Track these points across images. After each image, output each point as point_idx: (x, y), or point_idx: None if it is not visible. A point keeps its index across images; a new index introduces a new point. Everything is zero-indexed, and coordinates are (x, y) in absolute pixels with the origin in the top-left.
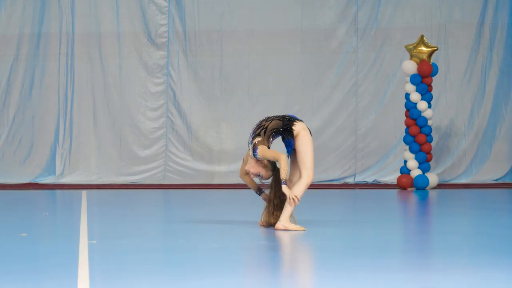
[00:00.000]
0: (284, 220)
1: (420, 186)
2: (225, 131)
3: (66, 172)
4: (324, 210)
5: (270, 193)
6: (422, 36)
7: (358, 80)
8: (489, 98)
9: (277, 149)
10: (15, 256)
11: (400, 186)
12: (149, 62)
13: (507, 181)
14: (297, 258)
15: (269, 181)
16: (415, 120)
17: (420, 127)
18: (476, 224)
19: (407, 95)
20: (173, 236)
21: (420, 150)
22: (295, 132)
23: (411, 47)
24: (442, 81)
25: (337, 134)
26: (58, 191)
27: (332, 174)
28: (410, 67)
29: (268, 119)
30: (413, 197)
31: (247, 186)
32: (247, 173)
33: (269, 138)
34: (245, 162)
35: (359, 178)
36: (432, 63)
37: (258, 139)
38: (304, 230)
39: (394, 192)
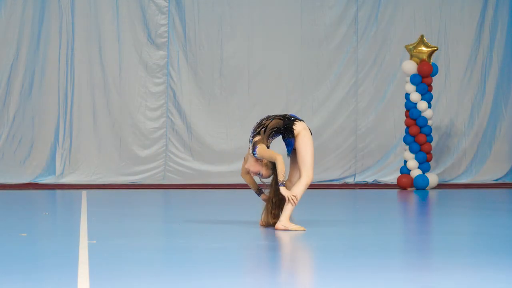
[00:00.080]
0: (284, 220)
1: (420, 186)
2: (225, 131)
3: (66, 172)
4: (324, 210)
5: (270, 192)
6: (422, 36)
7: (358, 80)
8: (489, 98)
9: (277, 148)
10: (15, 256)
11: (400, 186)
12: (149, 62)
13: (507, 181)
14: (297, 258)
15: (269, 180)
16: (415, 120)
17: (420, 127)
18: (476, 224)
19: (407, 95)
20: (173, 236)
21: (420, 150)
22: (295, 132)
23: (411, 47)
24: (442, 81)
25: (337, 134)
26: (58, 191)
27: (332, 174)
28: (410, 67)
29: (268, 118)
30: (413, 197)
31: (247, 186)
32: (248, 172)
33: (268, 137)
34: (245, 161)
35: (359, 178)
36: (432, 63)
37: (257, 137)
38: (304, 230)
39: (394, 192)
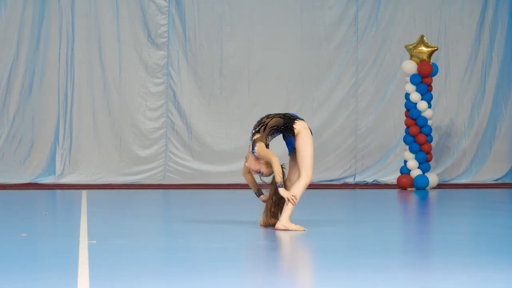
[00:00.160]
0: (284, 220)
1: (420, 186)
2: (225, 131)
3: (66, 172)
4: (324, 210)
5: (270, 190)
6: (422, 36)
7: (358, 80)
8: (489, 98)
9: (278, 148)
10: (15, 256)
11: (400, 186)
12: (149, 62)
13: (507, 181)
14: (297, 258)
15: (270, 179)
16: (415, 120)
17: (420, 127)
18: (476, 224)
19: (407, 95)
20: (173, 236)
21: (420, 150)
22: (296, 131)
23: (411, 47)
24: (442, 81)
25: (337, 134)
26: (58, 191)
27: (332, 174)
28: (410, 67)
29: (269, 116)
30: (413, 197)
31: (247, 186)
32: (249, 172)
33: (268, 135)
34: (247, 160)
35: (359, 178)
36: (432, 63)
37: (257, 136)
38: (304, 230)
39: (394, 192)
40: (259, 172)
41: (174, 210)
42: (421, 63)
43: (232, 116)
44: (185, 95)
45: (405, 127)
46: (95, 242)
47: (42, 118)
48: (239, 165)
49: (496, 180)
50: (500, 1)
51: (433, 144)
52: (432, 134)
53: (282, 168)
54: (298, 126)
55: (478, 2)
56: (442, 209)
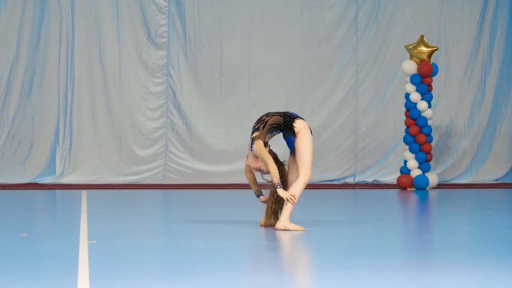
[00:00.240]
0: (284, 220)
1: (420, 186)
2: (225, 131)
3: (66, 172)
4: (324, 210)
5: (271, 187)
6: (422, 36)
7: (358, 80)
8: (489, 98)
9: (278, 147)
10: (15, 256)
11: (400, 186)
12: (149, 62)
13: (507, 181)
14: (297, 258)
15: (270, 177)
16: (415, 120)
17: (420, 127)
18: (476, 224)
19: (407, 95)
20: (173, 236)
21: (420, 150)
22: (296, 130)
23: (411, 47)
24: (442, 81)
25: (337, 134)
26: (58, 191)
27: (332, 174)
28: (410, 67)
29: (269, 114)
30: (413, 197)
31: (246, 186)
32: (251, 171)
33: (267, 133)
34: (248, 158)
35: (359, 178)
36: (432, 63)
37: (256, 133)
38: (304, 230)
39: (394, 192)
40: (259, 170)
41: (174, 210)
42: (421, 63)
43: (232, 116)
44: (185, 95)
45: (405, 127)
46: (95, 242)
47: (42, 118)
48: (239, 165)
49: (496, 180)
50: (500, 1)
51: (433, 144)
52: (432, 134)
53: (283, 164)
54: (298, 125)
55: (478, 2)
56: (442, 209)
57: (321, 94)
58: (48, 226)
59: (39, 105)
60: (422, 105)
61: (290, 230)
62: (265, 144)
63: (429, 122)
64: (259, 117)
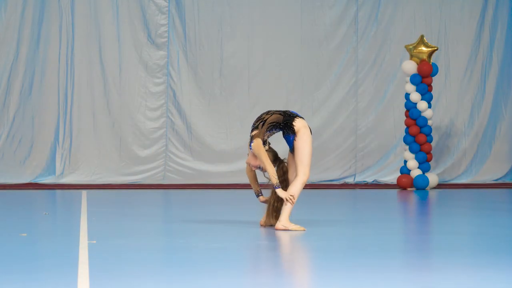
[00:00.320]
0: (284, 220)
1: (420, 186)
2: (225, 131)
3: (66, 172)
4: (324, 210)
5: (272, 187)
6: (422, 36)
7: (358, 80)
8: (489, 98)
9: (278, 147)
10: (15, 256)
11: (400, 186)
12: (149, 62)
13: (507, 181)
14: (297, 258)
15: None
16: (415, 120)
17: (420, 127)
18: (476, 224)
19: (407, 95)
20: (173, 236)
21: (420, 150)
22: (295, 129)
23: (411, 47)
24: (442, 81)
25: (337, 134)
26: (58, 191)
27: (332, 174)
28: (410, 67)
29: (269, 112)
30: (413, 197)
31: (246, 186)
32: (252, 170)
33: (266, 131)
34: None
35: (359, 178)
36: (432, 63)
37: (255, 131)
38: (304, 230)
39: (394, 192)
40: (259, 167)
41: (174, 210)
42: (421, 63)
43: (232, 116)
44: (185, 95)
45: (405, 127)
46: (95, 242)
47: (42, 118)
48: (239, 165)
49: (496, 180)
50: (500, 1)
51: (433, 144)
52: (432, 134)
53: (283, 162)
54: (298, 124)
55: (478, 2)
56: (442, 209)
57: (321, 94)
58: (48, 226)
59: (39, 105)
60: (422, 105)
61: (290, 230)
62: (265, 142)
63: (429, 122)
64: (259, 115)
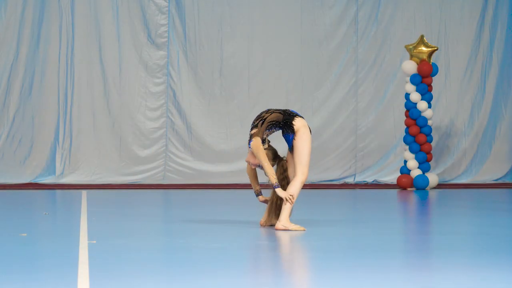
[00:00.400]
0: (283, 220)
1: (420, 186)
2: (225, 131)
3: (66, 172)
4: (324, 210)
5: (272, 191)
6: (422, 36)
7: (358, 80)
8: (489, 98)
9: (278, 146)
10: (15, 256)
11: (400, 186)
12: (149, 62)
13: (507, 181)
14: (297, 258)
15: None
16: (415, 120)
17: (420, 127)
18: (476, 224)
19: (407, 95)
20: (173, 236)
21: (420, 150)
22: (295, 128)
23: (411, 47)
24: (442, 81)
25: (337, 134)
26: (58, 191)
27: (332, 174)
28: (410, 67)
29: (268, 111)
30: (413, 197)
31: (246, 186)
32: (252, 169)
33: (266, 129)
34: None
35: (359, 178)
36: (432, 63)
37: (254, 130)
38: (304, 230)
39: (394, 192)
40: (258, 166)
41: (174, 210)
42: (421, 63)
43: (232, 116)
44: (185, 95)
45: (405, 127)
46: (95, 242)
47: (42, 118)
48: (239, 165)
49: (496, 180)
50: (500, 1)
51: (433, 144)
52: (432, 134)
53: (283, 159)
54: (298, 123)
55: (478, 2)
56: (442, 209)
57: (321, 94)
58: (48, 226)
59: (39, 105)
60: (422, 105)
61: (290, 230)
62: (264, 141)
63: (429, 122)
64: (259, 113)
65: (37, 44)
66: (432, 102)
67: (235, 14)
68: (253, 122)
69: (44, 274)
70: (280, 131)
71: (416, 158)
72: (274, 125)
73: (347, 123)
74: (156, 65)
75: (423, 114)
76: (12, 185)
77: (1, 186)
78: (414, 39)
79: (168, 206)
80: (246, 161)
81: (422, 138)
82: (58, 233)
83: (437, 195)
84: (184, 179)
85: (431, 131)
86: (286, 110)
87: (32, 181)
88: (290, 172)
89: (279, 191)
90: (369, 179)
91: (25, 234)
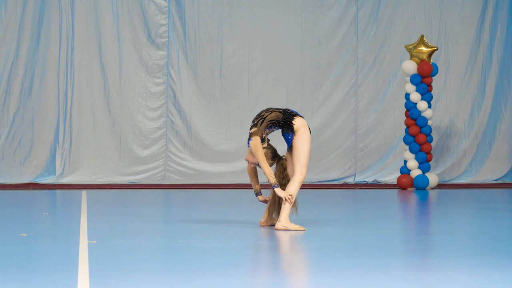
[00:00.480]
0: (283, 220)
1: (420, 186)
2: (225, 131)
3: (66, 172)
4: (324, 210)
5: (271, 191)
6: (422, 36)
7: (358, 80)
8: (489, 98)
9: (278, 145)
10: (15, 256)
11: (400, 186)
12: (149, 62)
13: (507, 181)
14: (297, 258)
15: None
16: (415, 120)
17: (420, 127)
18: (476, 224)
19: (407, 95)
20: (173, 236)
21: (420, 150)
22: (295, 127)
23: (411, 47)
24: (442, 81)
25: (337, 134)
26: (58, 191)
27: (332, 174)
28: (410, 67)
29: (268, 110)
30: (413, 197)
31: (246, 186)
32: (253, 168)
33: (265, 128)
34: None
35: (359, 178)
36: (432, 63)
37: (254, 129)
38: (304, 230)
39: (394, 192)
40: (258, 164)
41: (174, 210)
42: (421, 63)
43: (232, 116)
44: (185, 95)
45: (405, 127)
46: (95, 242)
47: (42, 118)
48: (239, 165)
49: (496, 180)
50: (500, 1)
51: (433, 144)
52: (432, 134)
53: (282, 158)
54: (298, 122)
55: (478, 2)
56: (442, 209)
57: (321, 94)
58: (48, 226)
59: (39, 105)
60: (422, 105)
61: (290, 230)
62: (263, 140)
63: (429, 122)
64: (259, 112)
65: (37, 44)
66: (432, 102)
67: (235, 14)
68: (253, 121)
69: (44, 274)
70: (280, 130)
71: (416, 158)
72: (273, 124)
73: (347, 123)
74: (156, 65)
75: (423, 114)
76: (12, 185)
77: (1, 186)
78: (414, 39)
79: (168, 206)
80: (245, 160)
81: (422, 138)
82: (58, 233)
83: (437, 195)
84: (184, 179)
85: (431, 131)
86: (286, 109)
87: (32, 181)
88: (289, 171)
89: (278, 191)
90: (369, 179)
91: (25, 234)
